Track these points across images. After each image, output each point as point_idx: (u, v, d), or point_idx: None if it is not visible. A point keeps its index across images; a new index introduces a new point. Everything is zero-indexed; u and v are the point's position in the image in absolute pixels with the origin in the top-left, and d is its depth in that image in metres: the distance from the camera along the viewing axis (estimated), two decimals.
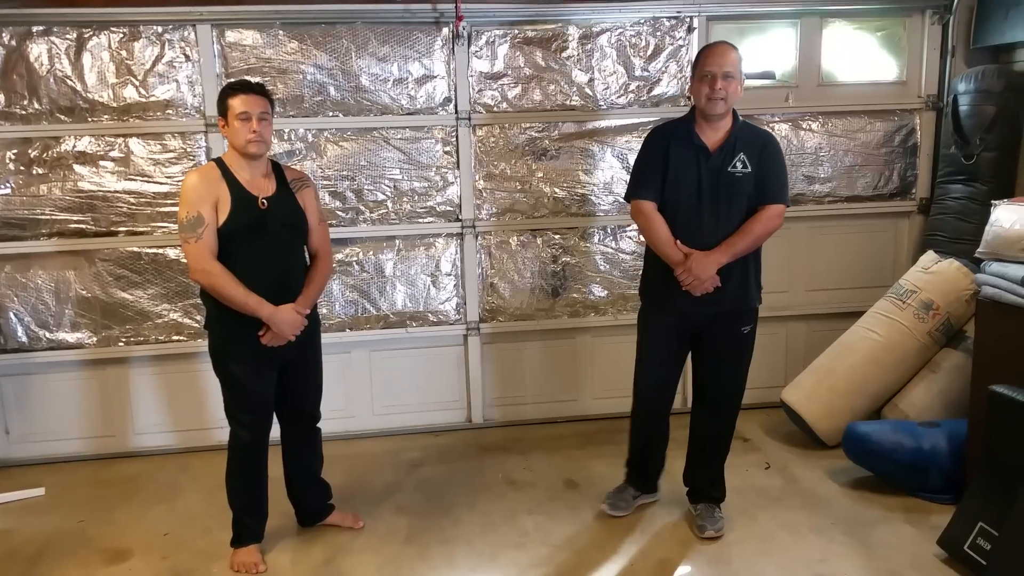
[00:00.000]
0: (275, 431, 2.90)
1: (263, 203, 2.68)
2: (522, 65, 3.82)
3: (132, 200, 3.67)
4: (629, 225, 3.99)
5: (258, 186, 2.69)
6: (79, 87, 3.56)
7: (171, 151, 3.67)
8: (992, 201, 3.14)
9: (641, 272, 3.07)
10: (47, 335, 3.72)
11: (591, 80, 3.87)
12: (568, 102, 3.87)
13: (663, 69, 3.91)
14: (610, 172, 3.95)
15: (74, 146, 3.61)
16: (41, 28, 3.49)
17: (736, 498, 3.12)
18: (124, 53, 3.56)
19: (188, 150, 3.67)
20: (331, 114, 3.73)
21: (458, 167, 3.85)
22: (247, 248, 2.64)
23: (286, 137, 3.72)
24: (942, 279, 3.61)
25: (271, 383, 2.81)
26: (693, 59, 3.06)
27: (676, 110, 3.82)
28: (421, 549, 2.95)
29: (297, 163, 3.71)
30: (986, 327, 3.03)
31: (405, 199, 3.85)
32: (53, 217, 3.63)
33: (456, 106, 3.80)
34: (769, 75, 4.01)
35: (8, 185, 3.58)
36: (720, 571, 2.77)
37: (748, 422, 3.95)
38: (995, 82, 3.71)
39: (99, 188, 3.64)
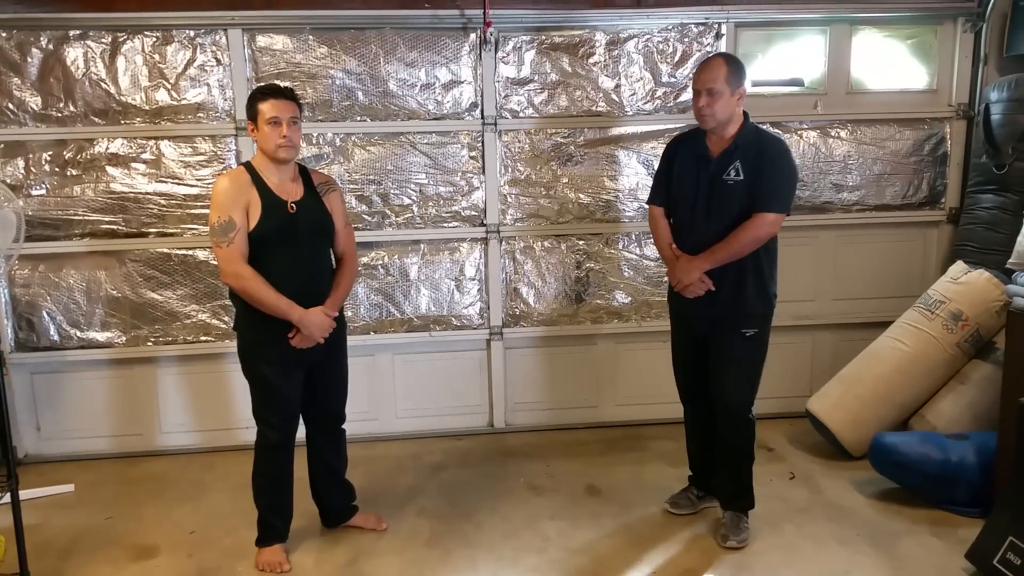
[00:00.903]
0: (300, 432, 2.92)
1: (292, 207, 2.70)
2: (549, 71, 3.83)
3: (163, 202, 3.72)
4: None
5: (287, 190, 2.72)
6: (113, 90, 3.62)
7: (201, 154, 3.72)
8: None
9: None
10: (78, 334, 3.79)
11: (617, 86, 3.87)
12: (594, 108, 3.88)
13: (690, 76, 3.88)
14: (635, 178, 3.95)
15: (107, 148, 3.67)
16: (78, 32, 3.56)
17: (760, 508, 3.10)
18: (157, 57, 3.62)
19: (218, 153, 3.72)
20: (359, 119, 3.77)
21: (483, 172, 3.87)
22: (276, 252, 2.67)
23: (314, 141, 3.76)
24: (971, 289, 3.57)
25: (299, 384, 2.83)
26: None
27: None
28: (443, 552, 2.96)
29: (324, 167, 3.74)
30: (1017, 338, 2.99)
31: (431, 203, 3.87)
32: (86, 218, 3.70)
33: (482, 111, 3.82)
34: (797, 82, 3.99)
35: (44, 186, 3.65)
36: None
37: (773, 431, 3.92)
38: None
39: (131, 190, 3.70)
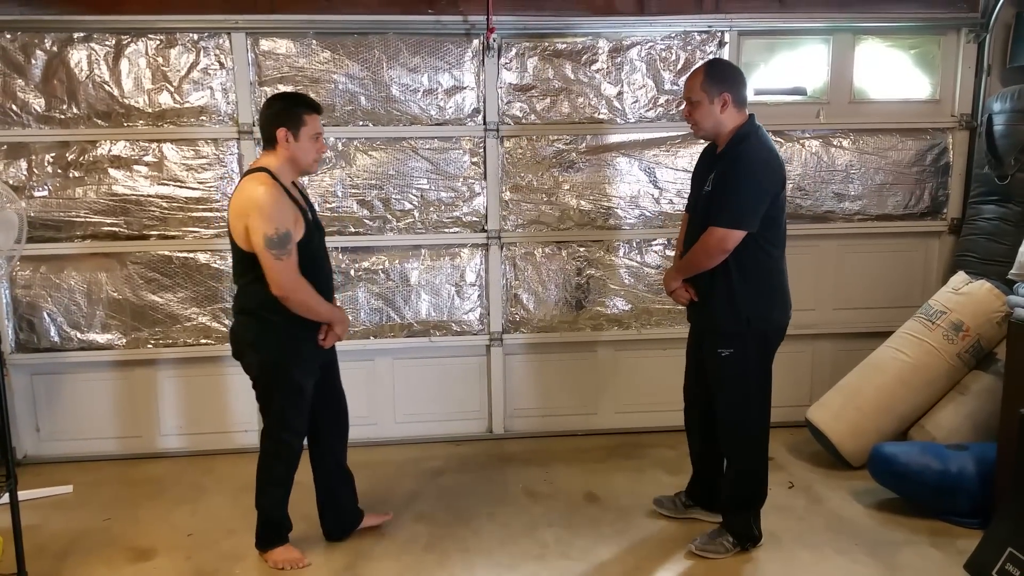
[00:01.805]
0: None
1: (310, 215, 2.77)
2: (551, 77, 3.83)
3: (164, 204, 3.73)
4: (654, 239, 3.99)
5: (297, 196, 2.75)
6: (116, 92, 3.63)
7: (203, 157, 3.72)
8: None
9: None
10: (78, 335, 3.79)
11: (620, 93, 3.88)
12: (596, 115, 3.88)
13: None
14: (637, 186, 3.95)
15: (109, 150, 3.68)
16: (81, 35, 3.57)
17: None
18: (160, 60, 3.63)
19: (220, 156, 3.73)
20: (361, 123, 3.77)
21: (485, 178, 3.87)
22: (309, 258, 2.69)
23: None
24: (973, 300, 3.56)
25: None
26: None
27: None
28: (441, 557, 2.96)
29: (327, 172, 3.75)
30: (1018, 349, 2.98)
31: (432, 209, 3.88)
32: (87, 220, 3.70)
33: (484, 117, 3.82)
34: (800, 91, 3.99)
35: (46, 187, 3.66)
36: None
37: (772, 441, 3.81)
38: None
39: (132, 192, 3.71)
